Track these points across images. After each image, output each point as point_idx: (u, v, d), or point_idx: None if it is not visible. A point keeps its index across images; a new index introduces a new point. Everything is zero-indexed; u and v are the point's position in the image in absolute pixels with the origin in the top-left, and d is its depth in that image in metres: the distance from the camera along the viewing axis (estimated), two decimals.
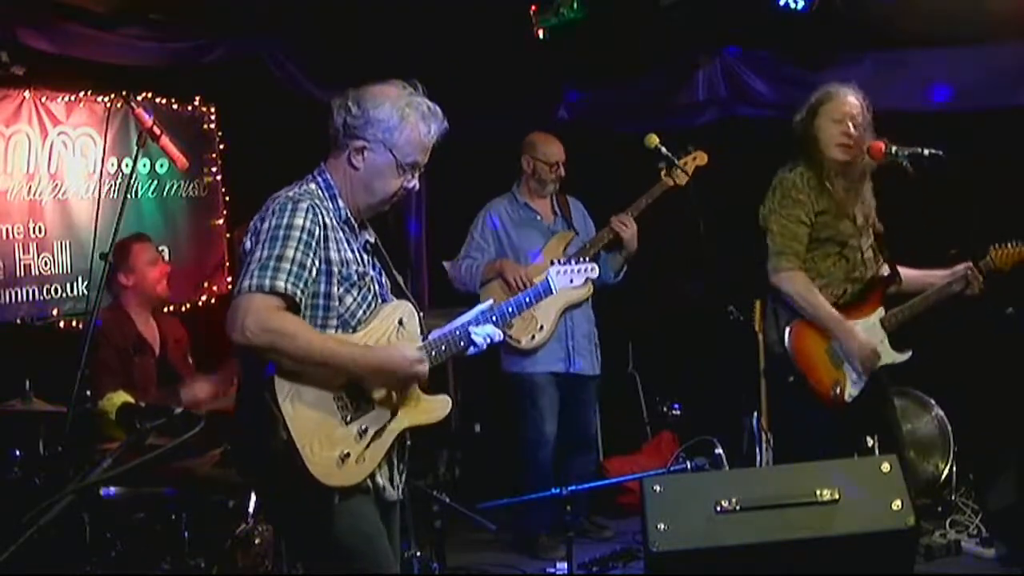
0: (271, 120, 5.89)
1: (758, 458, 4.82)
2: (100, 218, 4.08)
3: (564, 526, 4.21)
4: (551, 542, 5.35)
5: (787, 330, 4.28)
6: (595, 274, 3.56)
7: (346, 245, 2.89)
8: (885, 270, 4.46)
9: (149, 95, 5.62)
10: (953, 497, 5.50)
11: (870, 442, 4.45)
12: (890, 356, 4.38)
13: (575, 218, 5.62)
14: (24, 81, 5.05)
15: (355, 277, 2.88)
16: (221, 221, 6.14)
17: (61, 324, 5.27)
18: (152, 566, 3.87)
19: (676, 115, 6.47)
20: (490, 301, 3.24)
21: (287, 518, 2.98)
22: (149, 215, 5.72)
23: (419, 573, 4.33)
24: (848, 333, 4.27)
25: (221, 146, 6.15)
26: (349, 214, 2.93)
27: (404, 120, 2.90)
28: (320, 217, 2.82)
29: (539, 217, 5.58)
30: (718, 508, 3.05)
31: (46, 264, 5.24)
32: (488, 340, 3.09)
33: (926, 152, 4.23)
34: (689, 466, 4.11)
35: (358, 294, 2.89)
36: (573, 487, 4.14)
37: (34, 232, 5.20)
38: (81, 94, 5.36)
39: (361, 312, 2.90)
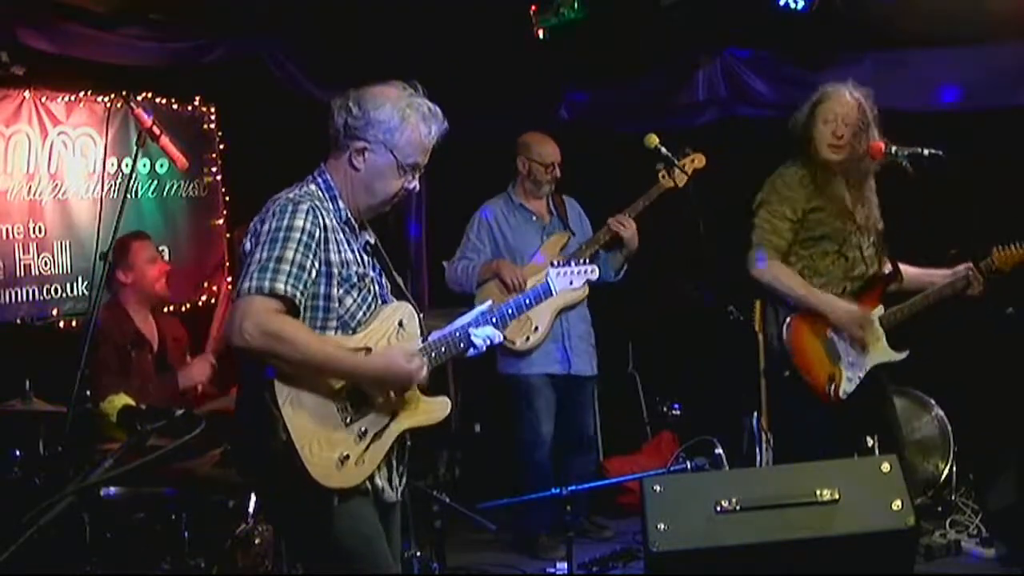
0: (271, 120, 5.89)
1: (758, 458, 4.81)
2: (100, 218, 4.08)
3: (564, 526, 4.21)
4: (551, 542, 5.35)
5: (785, 324, 4.30)
6: (595, 275, 3.56)
7: (346, 246, 2.89)
8: (886, 268, 4.46)
9: (149, 95, 5.62)
10: (953, 497, 5.50)
11: (870, 442, 4.46)
12: (888, 355, 4.39)
13: (571, 218, 5.61)
14: (24, 81, 5.05)
15: (355, 278, 2.88)
16: (221, 221, 6.14)
17: (61, 324, 5.28)
18: (152, 566, 3.87)
19: (676, 115, 6.47)
20: (489, 302, 3.24)
21: (287, 519, 2.98)
22: (149, 215, 5.72)
23: (419, 573, 4.33)
24: (830, 304, 4.29)
25: (221, 146, 6.15)
26: (349, 215, 2.93)
27: (405, 121, 2.90)
28: (320, 219, 2.81)
29: (535, 218, 5.56)
30: (718, 508, 3.05)
31: (46, 264, 5.24)
32: (488, 342, 3.09)
33: (926, 152, 4.24)
34: (689, 466, 4.11)
35: (358, 295, 2.89)
36: (573, 487, 4.13)
37: (34, 232, 5.20)
38: (81, 94, 5.37)
39: (361, 314, 2.90)
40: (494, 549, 5.47)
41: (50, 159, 5.25)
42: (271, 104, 5.90)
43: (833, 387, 4.27)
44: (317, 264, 2.80)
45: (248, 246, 2.82)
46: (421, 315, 3.05)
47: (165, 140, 3.99)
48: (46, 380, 3.97)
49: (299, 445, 2.72)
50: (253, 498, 3.94)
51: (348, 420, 2.83)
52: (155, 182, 5.78)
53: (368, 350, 2.88)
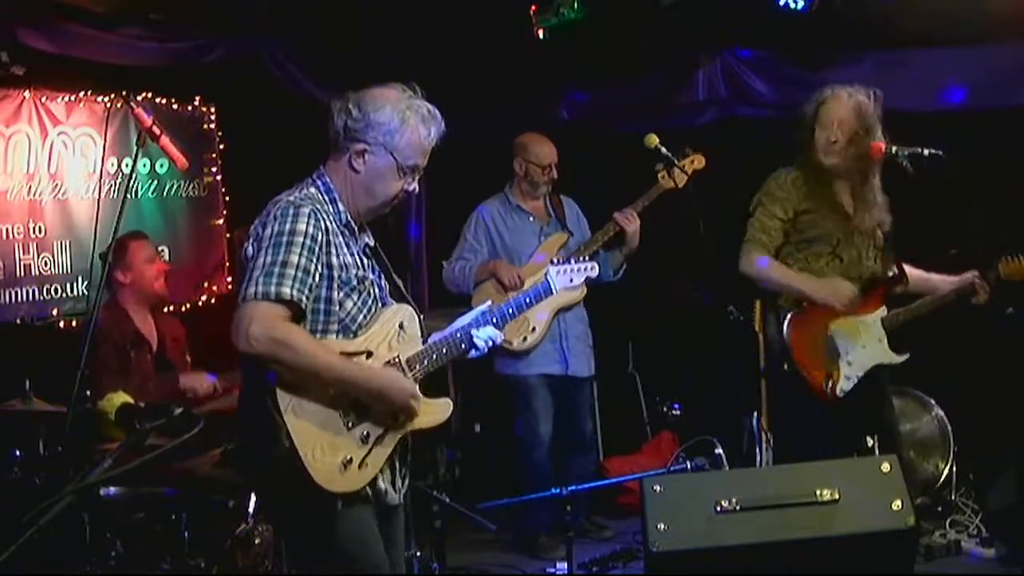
0: (271, 120, 5.89)
1: (758, 458, 4.81)
2: (100, 218, 4.08)
3: (564, 526, 4.21)
4: (551, 542, 5.35)
5: (786, 320, 4.32)
6: (595, 273, 3.55)
7: (346, 249, 2.88)
8: (891, 271, 4.46)
9: (149, 95, 5.63)
10: (953, 497, 5.50)
11: (870, 442, 4.46)
12: (888, 356, 4.39)
13: (569, 218, 5.60)
14: (24, 81, 5.05)
15: (355, 281, 2.87)
16: (221, 221, 6.14)
17: (61, 324, 5.28)
18: (152, 566, 3.87)
19: (676, 115, 6.46)
20: (489, 302, 3.24)
21: (289, 523, 2.98)
22: (149, 215, 5.73)
23: (419, 573, 4.33)
24: (808, 280, 4.32)
25: (221, 146, 6.15)
26: (349, 217, 2.92)
27: (405, 123, 2.89)
28: (322, 222, 2.81)
29: (532, 219, 5.55)
30: (718, 508, 3.05)
31: (46, 264, 5.24)
32: (490, 342, 3.09)
33: (926, 152, 4.24)
34: (689, 466, 4.11)
35: (358, 298, 2.88)
36: (573, 487, 4.13)
37: (34, 232, 5.20)
38: (81, 94, 5.37)
39: (361, 317, 2.89)
40: (494, 549, 5.46)
41: (50, 159, 5.25)
42: (271, 104, 5.90)
43: (831, 385, 4.28)
44: (320, 268, 2.79)
45: (250, 250, 2.81)
46: (421, 317, 3.05)
47: (165, 140, 3.99)
48: (46, 380, 3.97)
49: (302, 451, 2.72)
50: (253, 498, 3.94)
51: (350, 424, 2.82)
52: (155, 182, 5.78)
53: (369, 353, 2.88)
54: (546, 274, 3.47)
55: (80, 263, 5.30)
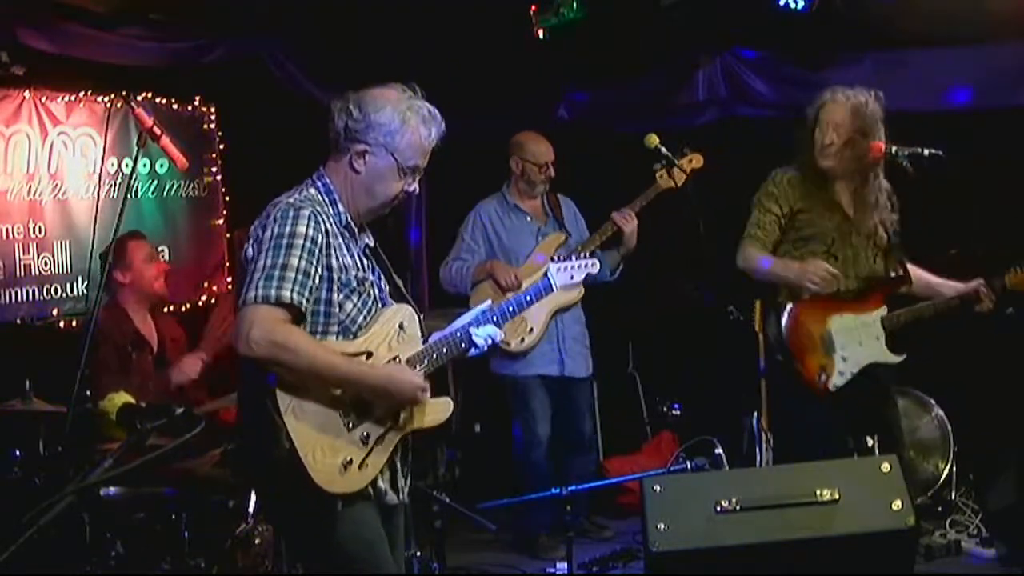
0: (271, 120, 5.89)
1: (758, 458, 4.81)
2: (100, 218, 4.08)
3: (564, 526, 4.21)
4: (551, 542, 5.35)
5: (786, 310, 4.32)
6: (596, 269, 3.56)
7: (345, 251, 2.88)
8: (894, 271, 4.46)
9: (149, 95, 5.62)
10: (953, 497, 5.50)
11: (870, 442, 4.46)
12: (884, 355, 4.40)
13: (566, 218, 5.59)
14: (24, 81, 5.05)
15: (355, 283, 2.87)
16: (221, 221, 6.14)
17: (61, 324, 5.28)
18: (152, 566, 3.87)
19: (676, 115, 6.46)
20: (488, 301, 3.24)
21: (289, 524, 2.98)
22: (149, 215, 5.72)
23: (419, 573, 4.33)
24: (785, 264, 4.37)
25: (221, 146, 6.15)
26: (349, 218, 2.92)
27: (405, 124, 2.89)
28: (322, 224, 2.81)
29: (530, 219, 5.54)
30: (718, 508, 3.05)
31: (46, 264, 5.24)
32: (489, 340, 3.09)
33: (926, 152, 4.25)
34: (689, 466, 4.11)
35: (358, 300, 2.88)
36: (573, 487, 4.13)
37: (34, 232, 5.20)
38: (81, 94, 5.37)
39: (361, 318, 2.89)
40: (494, 549, 5.46)
41: (50, 159, 5.25)
42: (271, 104, 5.90)
43: (823, 377, 4.28)
44: (319, 270, 2.79)
45: (250, 252, 2.81)
46: (421, 317, 3.05)
47: (165, 140, 3.99)
48: (46, 380, 3.97)
49: (302, 453, 2.72)
50: (253, 498, 3.94)
51: (351, 425, 2.82)
52: (155, 182, 5.78)
53: (369, 354, 2.88)
54: (546, 271, 3.47)
55: (80, 263, 5.29)
